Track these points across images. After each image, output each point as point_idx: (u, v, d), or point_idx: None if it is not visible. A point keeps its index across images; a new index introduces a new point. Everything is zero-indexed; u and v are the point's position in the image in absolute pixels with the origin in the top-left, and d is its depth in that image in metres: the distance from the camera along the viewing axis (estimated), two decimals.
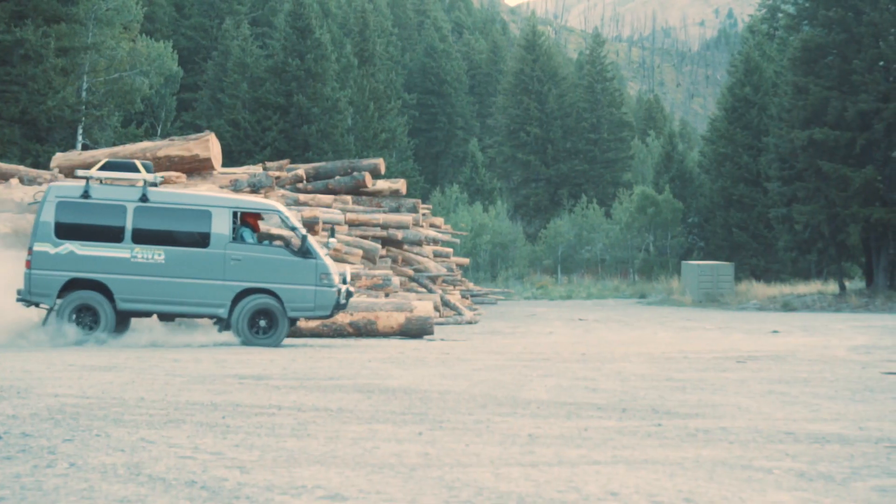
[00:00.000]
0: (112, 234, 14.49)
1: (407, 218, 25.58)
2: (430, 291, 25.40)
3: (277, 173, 23.68)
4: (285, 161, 26.94)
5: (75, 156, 22.26)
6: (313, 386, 8.76)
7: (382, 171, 26.86)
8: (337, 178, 25.73)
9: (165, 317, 14.99)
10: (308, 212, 20.42)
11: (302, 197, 23.05)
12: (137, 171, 14.91)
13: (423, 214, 29.80)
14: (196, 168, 20.86)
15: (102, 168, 14.89)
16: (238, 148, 51.92)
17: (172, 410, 7.03)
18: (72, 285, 14.35)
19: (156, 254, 14.52)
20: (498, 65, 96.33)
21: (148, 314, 14.87)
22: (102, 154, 21.70)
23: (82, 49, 38.35)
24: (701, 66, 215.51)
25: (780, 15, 57.92)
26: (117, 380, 8.93)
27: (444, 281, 29.34)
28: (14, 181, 18.38)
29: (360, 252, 21.82)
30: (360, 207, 25.48)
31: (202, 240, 14.76)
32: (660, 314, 32.46)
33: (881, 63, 37.76)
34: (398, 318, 17.16)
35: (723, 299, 40.88)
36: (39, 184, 18.67)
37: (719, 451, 5.70)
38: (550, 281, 60.72)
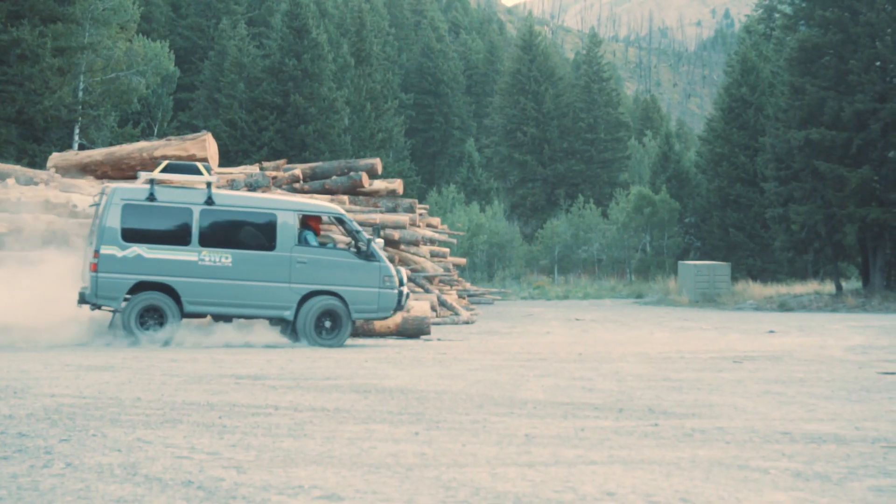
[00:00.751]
0: (179, 237, 14.48)
1: (404, 218, 25.54)
2: (427, 291, 25.38)
3: (274, 173, 23.67)
4: (282, 161, 26.92)
5: (72, 156, 22.25)
6: (310, 386, 8.75)
7: (379, 171, 26.82)
8: (334, 178, 25.70)
9: (219, 317, 15.03)
10: None
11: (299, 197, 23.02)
12: (199, 173, 14.95)
13: (420, 214, 29.76)
14: None
15: (164, 170, 14.84)
16: (235, 148, 51.91)
17: (169, 410, 7.02)
18: (138, 288, 14.30)
19: (223, 256, 14.60)
20: (495, 65, 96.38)
21: (214, 317, 14.93)
22: (99, 154, 21.69)
23: (79, 49, 38.32)
24: (697, 67, 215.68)
25: (777, 15, 58.00)
26: (114, 380, 8.92)
27: (440, 281, 29.32)
28: (10, 181, 18.35)
29: None
30: (357, 207, 25.45)
31: (268, 242, 14.91)
32: (656, 314, 32.47)
33: (878, 63, 37.79)
34: (395, 318, 17.16)
35: (719, 299, 40.89)
36: (36, 184, 18.62)
37: (716, 451, 5.70)
38: (547, 281, 60.77)
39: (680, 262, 47.41)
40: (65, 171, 20.75)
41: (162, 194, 14.52)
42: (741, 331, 21.80)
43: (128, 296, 14.26)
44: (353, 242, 15.66)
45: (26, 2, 35.82)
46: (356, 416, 6.89)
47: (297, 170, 25.37)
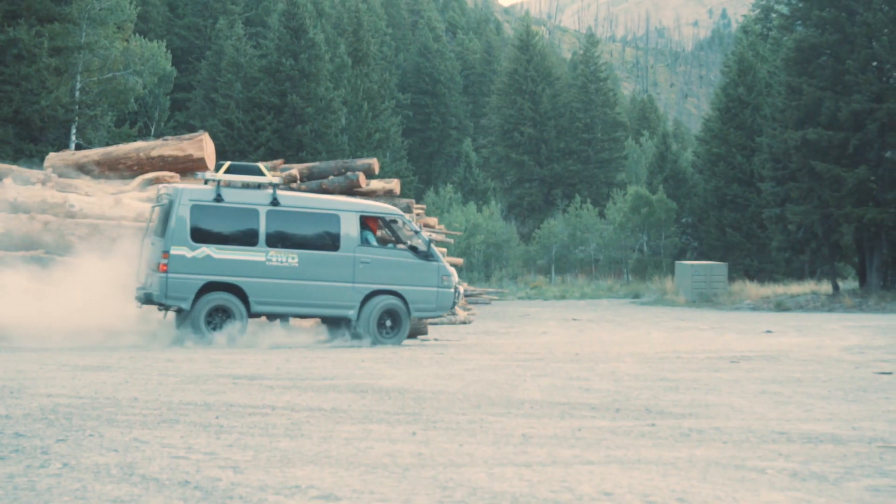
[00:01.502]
0: (246, 238, 14.71)
1: None
2: None
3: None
4: (279, 161, 26.85)
5: (68, 155, 22.21)
6: (307, 386, 8.75)
7: (376, 171, 26.74)
8: (331, 178, 25.64)
9: (273, 316, 15.26)
10: None
11: None
12: (262, 174, 15.22)
13: (418, 214, 29.67)
14: (190, 168, 20.80)
15: (227, 171, 15.03)
16: (232, 148, 51.86)
17: (166, 410, 7.02)
18: (206, 288, 14.43)
19: (290, 257, 14.84)
20: (492, 65, 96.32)
21: (281, 316, 15.18)
22: (96, 153, 21.63)
23: (76, 49, 38.26)
24: (694, 67, 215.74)
25: (774, 15, 58.00)
26: (111, 380, 8.92)
27: None
28: (7, 181, 18.31)
29: None
30: None
31: (332, 243, 15.20)
32: (653, 314, 32.49)
33: (874, 63, 37.82)
34: None
35: (716, 299, 40.92)
36: (33, 184, 18.58)
37: (713, 451, 5.71)
38: (544, 281, 60.75)
39: (677, 262, 47.43)
40: (61, 171, 20.70)
41: (228, 195, 14.72)
42: (738, 331, 21.82)
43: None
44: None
45: (23, 1, 35.76)
46: (353, 416, 6.89)
47: (294, 170, 25.32)
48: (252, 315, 14.71)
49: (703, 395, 8.58)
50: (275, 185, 15.08)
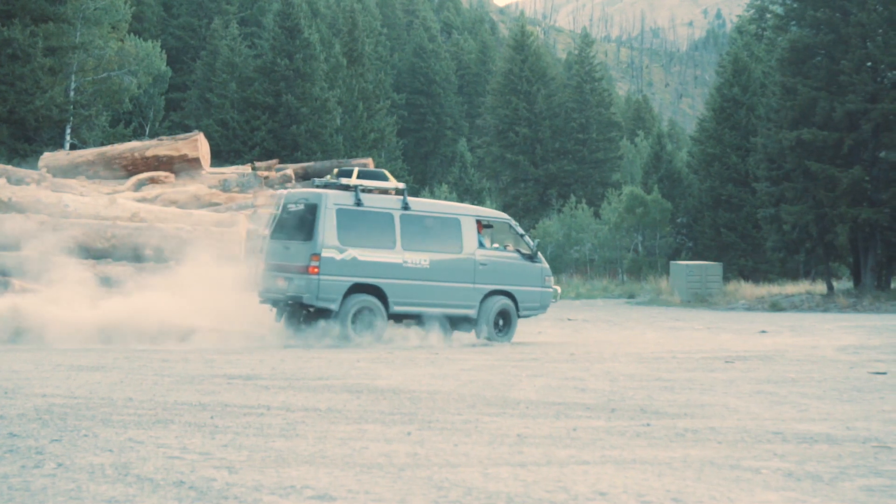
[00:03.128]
0: (385, 241, 15.28)
1: None
2: None
3: (266, 173, 23.60)
4: (274, 161, 26.87)
5: (63, 155, 22.19)
6: (302, 386, 8.75)
7: None
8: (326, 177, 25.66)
9: (399, 317, 15.85)
10: None
11: None
12: (387, 179, 16.01)
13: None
14: (184, 168, 20.80)
15: (336, 176, 15.59)
16: (227, 148, 51.78)
17: (161, 411, 7.01)
18: (351, 290, 14.93)
19: (422, 259, 15.54)
20: (487, 65, 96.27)
21: (414, 317, 15.75)
22: (91, 153, 21.61)
23: (70, 48, 38.21)
24: (689, 67, 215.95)
25: (769, 15, 58.01)
26: (105, 380, 8.90)
27: None
28: (1, 181, 18.28)
29: None
30: None
31: (455, 246, 16.02)
32: (648, 314, 32.50)
33: (869, 64, 37.85)
34: None
35: (711, 299, 40.94)
36: (27, 184, 18.55)
37: (708, 451, 5.71)
38: None
39: (672, 262, 47.42)
40: (56, 170, 20.68)
41: (366, 200, 15.30)
42: (733, 331, 21.84)
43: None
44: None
45: (17, 1, 35.72)
46: (348, 417, 6.89)
47: (290, 170, 25.31)
48: (391, 316, 15.38)
49: (698, 395, 8.59)
50: (403, 191, 15.85)
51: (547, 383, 9.33)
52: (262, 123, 53.67)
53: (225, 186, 19.83)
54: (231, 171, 23.08)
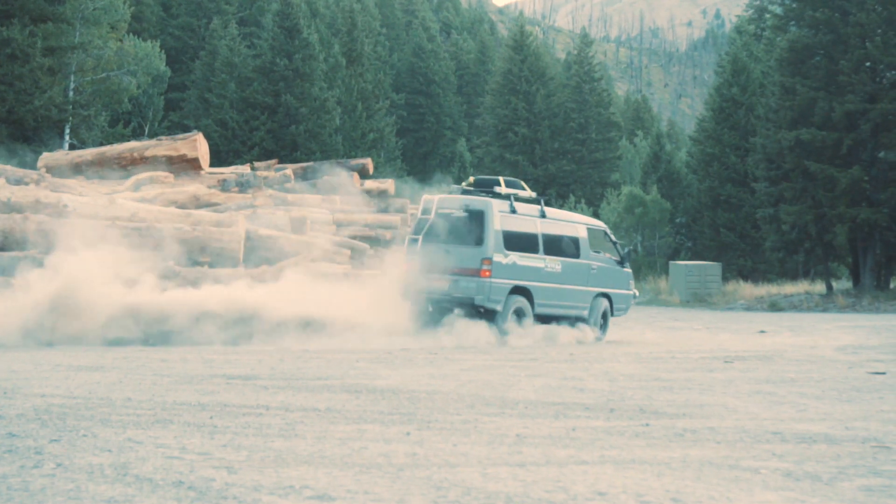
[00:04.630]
0: (530, 246, 16.34)
1: (395, 218, 25.50)
2: None
3: (265, 173, 23.61)
4: (273, 161, 26.87)
5: (62, 155, 22.17)
6: (301, 386, 8.74)
7: (371, 171, 26.82)
8: (325, 177, 25.65)
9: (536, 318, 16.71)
10: (296, 212, 20.37)
11: (290, 197, 22.98)
12: (523, 188, 17.06)
13: (412, 214, 29.73)
14: (184, 168, 20.79)
15: (476, 185, 16.62)
16: (226, 148, 51.79)
17: (160, 411, 7.01)
18: (511, 292, 15.94)
19: (556, 264, 16.73)
20: (486, 65, 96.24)
21: (550, 318, 16.81)
22: (90, 153, 21.60)
23: (69, 48, 38.20)
24: (688, 67, 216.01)
25: (768, 15, 58.04)
26: (104, 380, 8.89)
27: None
28: (0, 181, 18.26)
29: (348, 252, 21.75)
30: (349, 207, 25.40)
31: (576, 251, 17.30)
32: (647, 314, 32.50)
33: (868, 64, 37.89)
34: None
35: (710, 299, 40.96)
36: (26, 184, 18.53)
37: (707, 451, 5.71)
38: None
39: (671, 262, 47.47)
40: (55, 170, 20.66)
41: (518, 207, 16.26)
42: (732, 331, 21.84)
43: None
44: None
45: (16, 1, 35.70)
46: (347, 416, 6.88)
47: (289, 170, 25.32)
48: (535, 316, 16.21)
49: (697, 395, 8.59)
50: (539, 199, 16.89)
51: (546, 383, 9.33)
52: (262, 123, 53.67)
53: (224, 186, 19.82)
54: (230, 172, 23.07)
